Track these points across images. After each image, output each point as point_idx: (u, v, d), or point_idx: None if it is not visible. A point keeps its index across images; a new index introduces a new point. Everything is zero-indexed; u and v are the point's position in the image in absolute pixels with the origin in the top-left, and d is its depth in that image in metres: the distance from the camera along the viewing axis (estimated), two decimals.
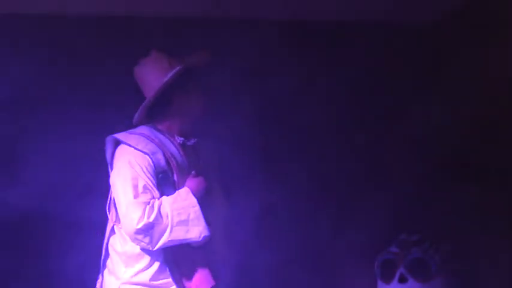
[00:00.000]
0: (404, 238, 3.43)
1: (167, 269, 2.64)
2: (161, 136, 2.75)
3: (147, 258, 2.65)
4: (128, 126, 2.80)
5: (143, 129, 2.76)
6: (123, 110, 2.95)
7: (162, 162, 2.67)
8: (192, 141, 2.82)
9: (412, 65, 3.86)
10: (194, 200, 2.62)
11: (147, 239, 2.58)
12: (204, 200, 2.67)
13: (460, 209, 3.50)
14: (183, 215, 2.60)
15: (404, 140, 3.65)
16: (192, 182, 2.69)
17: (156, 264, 2.66)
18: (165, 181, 2.68)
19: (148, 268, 2.66)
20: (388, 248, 3.45)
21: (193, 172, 2.71)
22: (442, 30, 3.86)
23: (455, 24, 3.75)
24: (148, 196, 2.61)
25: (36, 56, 3.49)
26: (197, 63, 2.81)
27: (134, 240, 2.59)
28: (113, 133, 2.77)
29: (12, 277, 3.38)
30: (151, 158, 2.65)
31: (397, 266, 3.35)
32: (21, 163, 3.41)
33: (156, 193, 2.64)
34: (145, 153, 2.66)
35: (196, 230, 2.60)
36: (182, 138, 2.78)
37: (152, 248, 2.59)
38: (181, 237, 2.59)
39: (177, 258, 2.65)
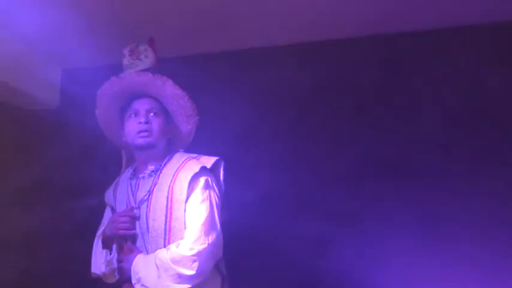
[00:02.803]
0: None
1: None
2: (128, 172, 2.93)
3: None
4: None
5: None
6: None
7: (108, 198, 2.94)
8: (143, 174, 2.85)
9: None
10: (96, 235, 2.89)
11: None
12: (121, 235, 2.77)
13: None
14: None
15: None
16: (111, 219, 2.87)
17: None
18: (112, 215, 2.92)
19: None
20: None
21: (131, 206, 2.79)
22: None
23: None
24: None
25: None
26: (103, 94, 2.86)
27: None
28: None
29: None
30: (105, 196, 2.97)
31: None
32: None
33: None
34: None
35: (93, 264, 2.85)
36: (131, 172, 2.91)
37: None
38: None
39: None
